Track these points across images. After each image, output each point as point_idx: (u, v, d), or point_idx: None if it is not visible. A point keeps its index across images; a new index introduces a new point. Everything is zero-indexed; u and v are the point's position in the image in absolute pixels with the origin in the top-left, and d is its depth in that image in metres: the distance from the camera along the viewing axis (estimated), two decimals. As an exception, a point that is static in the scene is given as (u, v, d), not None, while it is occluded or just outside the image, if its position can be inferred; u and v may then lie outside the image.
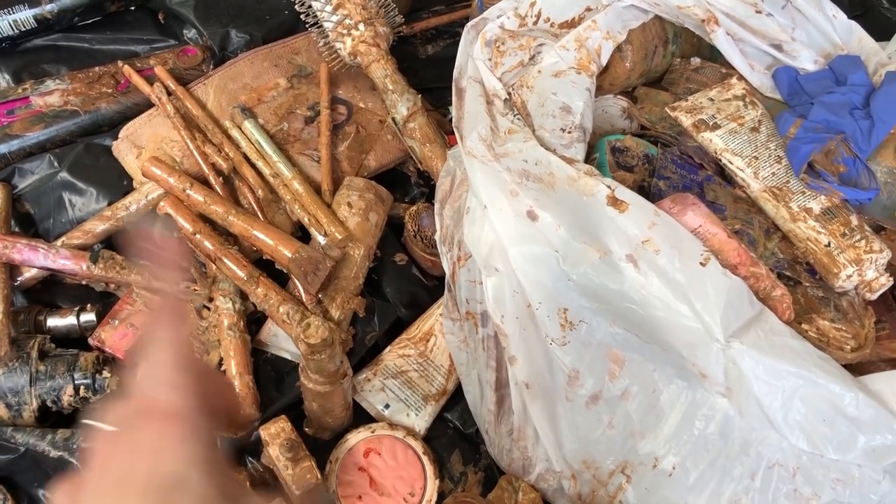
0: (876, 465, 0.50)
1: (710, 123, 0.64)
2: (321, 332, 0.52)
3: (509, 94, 0.63)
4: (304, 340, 0.52)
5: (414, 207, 0.72)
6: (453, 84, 0.66)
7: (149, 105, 0.76)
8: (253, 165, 0.72)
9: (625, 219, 0.53)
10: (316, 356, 0.53)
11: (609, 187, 0.54)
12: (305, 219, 0.68)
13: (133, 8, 0.86)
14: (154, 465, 0.27)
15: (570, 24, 0.68)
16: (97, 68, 0.79)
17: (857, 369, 0.55)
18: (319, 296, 0.65)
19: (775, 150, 0.62)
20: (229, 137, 0.73)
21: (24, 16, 0.80)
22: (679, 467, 0.54)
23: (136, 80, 0.76)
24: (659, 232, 0.52)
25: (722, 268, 0.51)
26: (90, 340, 0.63)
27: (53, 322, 0.66)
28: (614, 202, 0.53)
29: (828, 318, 0.57)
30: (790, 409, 0.50)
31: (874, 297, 0.58)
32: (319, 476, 0.57)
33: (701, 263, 0.51)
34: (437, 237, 0.66)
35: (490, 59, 0.65)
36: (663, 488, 0.54)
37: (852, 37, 0.69)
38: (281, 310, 0.63)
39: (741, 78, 0.67)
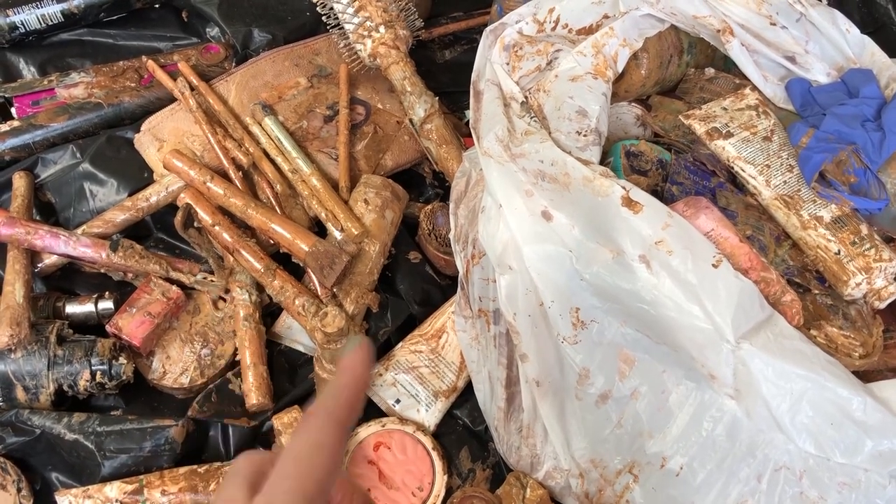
0: (882, 469, 0.50)
1: (724, 132, 0.65)
2: (338, 321, 0.53)
3: (526, 97, 0.64)
4: (321, 329, 0.53)
5: (429, 207, 0.73)
6: (471, 86, 0.67)
7: (171, 100, 0.78)
8: (272, 161, 0.73)
9: (638, 220, 0.53)
10: (332, 345, 0.54)
11: (624, 188, 0.55)
12: (322, 214, 0.70)
13: (157, 5, 0.88)
14: None
15: (588, 31, 0.69)
16: (121, 63, 0.81)
17: (864, 377, 0.55)
18: (334, 290, 0.66)
19: (787, 158, 0.63)
20: (250, 133, 0.74)
21: (52, 10, 0.82)
22: (686, 468, 0.54)
23: (160, 74, 0.77)
24: (672, 233, 0.53)
25: (734, 270, 0.52)
26: (107, 327, 0.64)
27: (72, 308, 0.67)
28: (628, 203, 0.54)
29: (836, 325, 0.57)
30: (798, 412, 0.51)
31: (883, 305, 0.59)
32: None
33: (713, 265, 0.52)
34: (451, 236, 0.67)
35: (508, 63, 0.67)
36: (670, 488, 0.55)
37: (865, 51, 0.70)
38: (296, 302, 0.64)
39: (754, 88, 0.68)
